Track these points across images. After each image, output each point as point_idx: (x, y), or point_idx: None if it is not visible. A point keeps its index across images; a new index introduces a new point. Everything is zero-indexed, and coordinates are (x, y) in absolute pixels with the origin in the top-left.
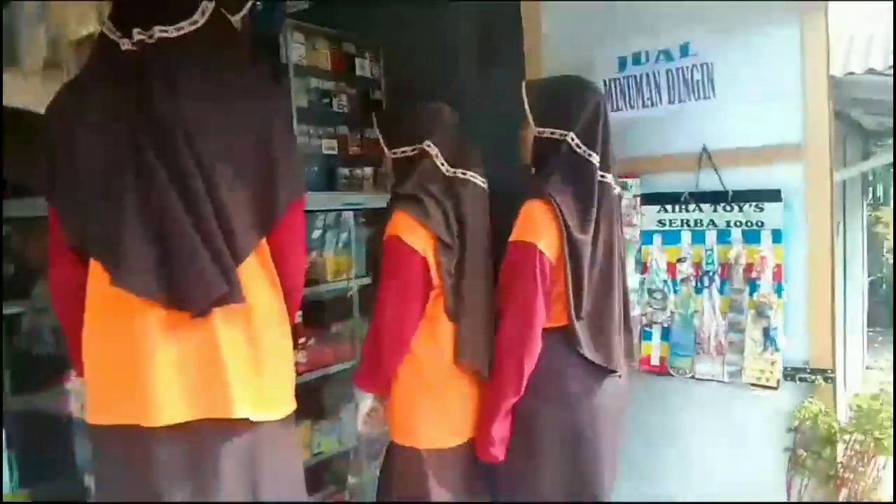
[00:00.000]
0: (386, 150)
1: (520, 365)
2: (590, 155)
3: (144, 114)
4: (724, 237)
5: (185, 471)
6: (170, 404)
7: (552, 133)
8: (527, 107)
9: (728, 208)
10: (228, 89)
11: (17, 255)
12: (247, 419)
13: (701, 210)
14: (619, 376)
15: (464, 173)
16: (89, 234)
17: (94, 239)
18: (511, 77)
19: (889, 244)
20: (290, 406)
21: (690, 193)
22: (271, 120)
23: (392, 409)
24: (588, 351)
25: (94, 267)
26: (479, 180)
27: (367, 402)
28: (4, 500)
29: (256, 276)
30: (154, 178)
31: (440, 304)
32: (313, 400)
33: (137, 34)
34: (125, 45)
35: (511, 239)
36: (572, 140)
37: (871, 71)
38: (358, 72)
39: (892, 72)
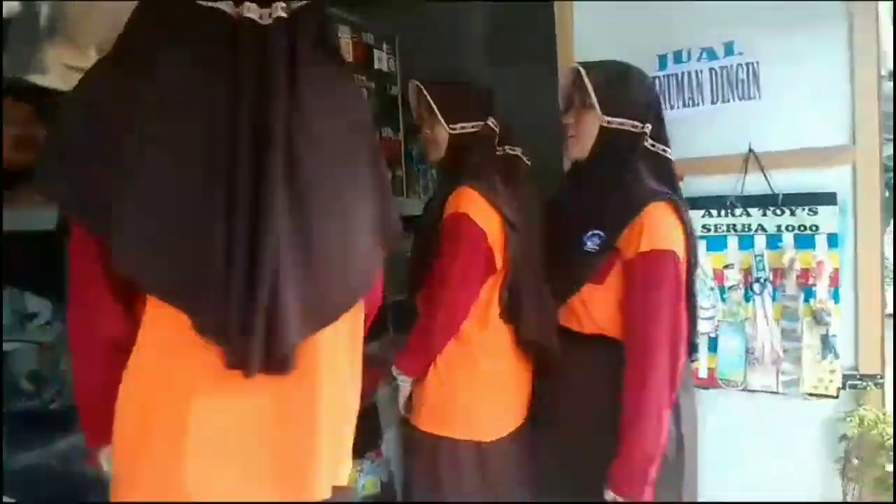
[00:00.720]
0: (444, 126)
1: (672, 397)
2: (664, 150)
3: (255, 113)
4: (774, 242)
5: None
6: (224, 484)
7: (622, 124)
8: (592, 92)
9: (778, 212)
10: (336, 91)
11: None
12: None
13: (749, 214)
14: None
15: (512, 149)
16: (157, 269)
17: (166, 276)
18: (540, 73)
19: None
20: (349, 468)
21: (737, 197)
22: (371, 126)
23: (426, 394)
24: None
25: (155, 311)
26: (525, 158)
27: (407, 385)
28: None
29: (344, 320)
30: (255, 202)
31: (496, 288)
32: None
33: (251, 9)
34: (242, 12)
35: (645, 248)
36: (647, 133)
37: None
38: (376, 65)
39: None
